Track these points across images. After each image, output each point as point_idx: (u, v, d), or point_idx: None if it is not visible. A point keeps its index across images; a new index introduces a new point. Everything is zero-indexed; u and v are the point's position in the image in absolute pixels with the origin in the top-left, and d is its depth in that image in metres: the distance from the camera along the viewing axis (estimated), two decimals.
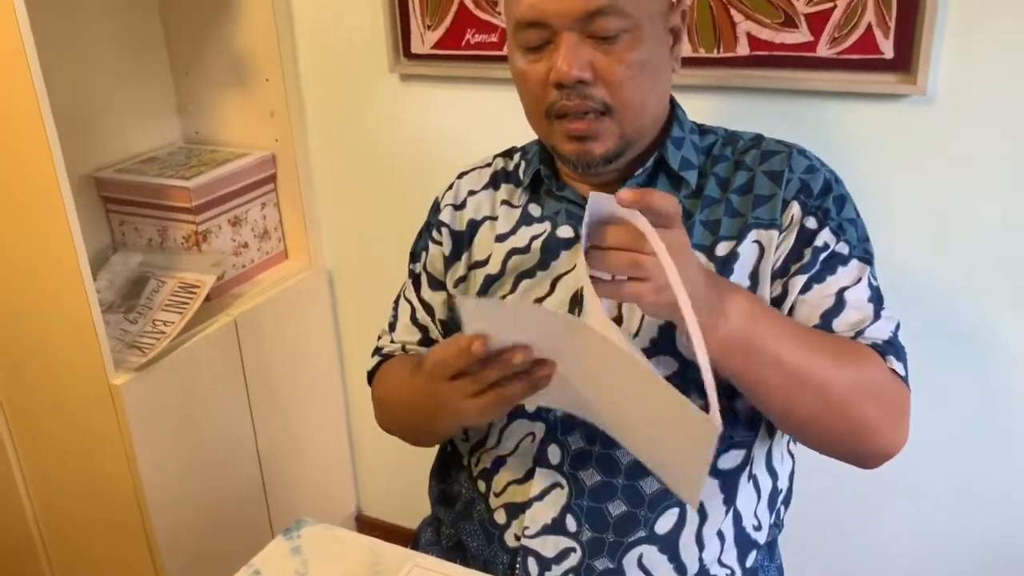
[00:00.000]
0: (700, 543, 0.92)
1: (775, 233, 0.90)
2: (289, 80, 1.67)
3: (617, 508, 0.91)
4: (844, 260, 0.89)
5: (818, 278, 0.89)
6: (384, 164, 1.70)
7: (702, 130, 1.00)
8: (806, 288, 0.89)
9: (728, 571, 0.94)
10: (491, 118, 1.55)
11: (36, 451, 1.56)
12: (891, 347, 0.88)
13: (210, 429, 1.61)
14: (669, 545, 0.91)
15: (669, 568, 0.91)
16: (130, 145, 1.72)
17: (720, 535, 0.93)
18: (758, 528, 0.97)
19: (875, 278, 0.92)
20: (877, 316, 0.88)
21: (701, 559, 0.92)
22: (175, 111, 1.79)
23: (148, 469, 1.46)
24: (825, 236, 0.89)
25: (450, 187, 1.09)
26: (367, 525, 2.06)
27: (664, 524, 0.91)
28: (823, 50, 1.26)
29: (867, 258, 0.92)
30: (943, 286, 1.33)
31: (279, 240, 1.80)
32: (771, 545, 1.05)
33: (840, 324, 0.88)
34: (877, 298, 0.90)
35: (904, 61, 1.22)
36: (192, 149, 1.77)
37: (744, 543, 0.95)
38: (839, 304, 0.88)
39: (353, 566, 0.93)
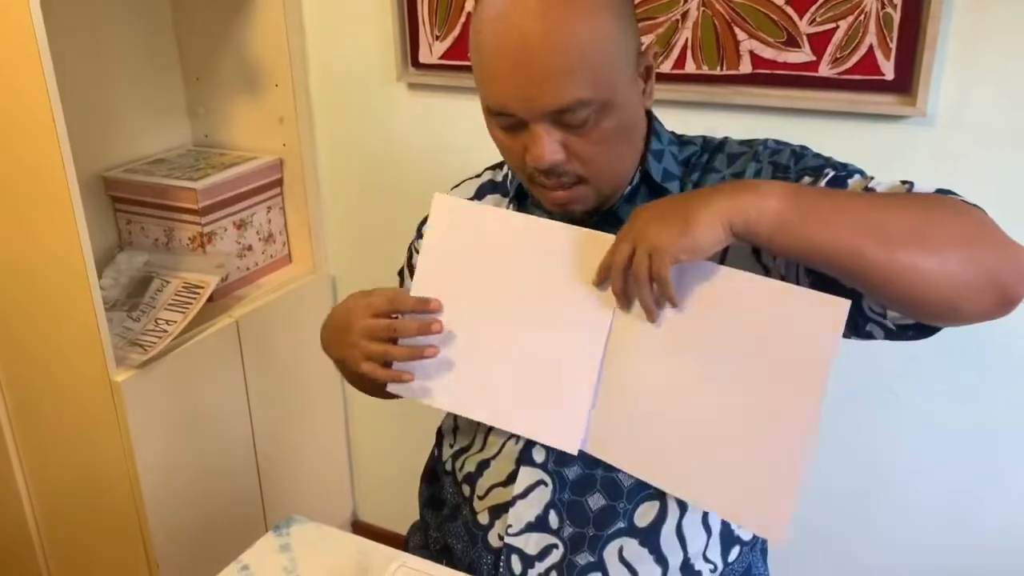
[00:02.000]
0: (681, 536, 0.92)
1: None
2: (298, 87, 1.69)
3: (596, 502, 0.92)
4: (848, 176, 0.86)
5: (836, 182, 0.85)
6: (390, 172, 1.72)
7: (681, 140, 1.00)
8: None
9: (712, 566, 0.94)
10: None
11: (36, 443, 1.57)
12: (946, 191, 0.81)
13: (209, 429, 1.62)
14: (650, 538, 0.92)
15: (650, 561, 0.92)
16: (140, 147, 1.74)
17: (707, 528, 0.93)
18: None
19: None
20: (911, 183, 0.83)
21: (685, 552, 0.92)
22: (186, 115, 1.82)
23: (146, 466, 1.48)
24: (825, 172, 0.86)
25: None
26: (363, 530, 2.06)
27: (643, 516, 0.91)
28: (825, 70, 1.28)
29: (869, 176, 0.87)
30: None
31: (283, 244, 1.82)
32: (763, 548, 1.05)
33: (882, 188, 0.83)
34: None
35: (905, 82, 1.24)
36: (201, 152, 1.79)
37: (728, 538, 0.96)
38: (871, 188, 0.83)
39: (341, 564, 0.93)
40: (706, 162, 0.96)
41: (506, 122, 0.87)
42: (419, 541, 1.10)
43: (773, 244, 0.75)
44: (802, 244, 0.74)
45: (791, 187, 0.75)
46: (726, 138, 0.99)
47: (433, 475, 1.10)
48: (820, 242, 0.74)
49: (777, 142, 0.96)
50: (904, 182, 0.84)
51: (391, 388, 0.90)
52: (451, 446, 1.04)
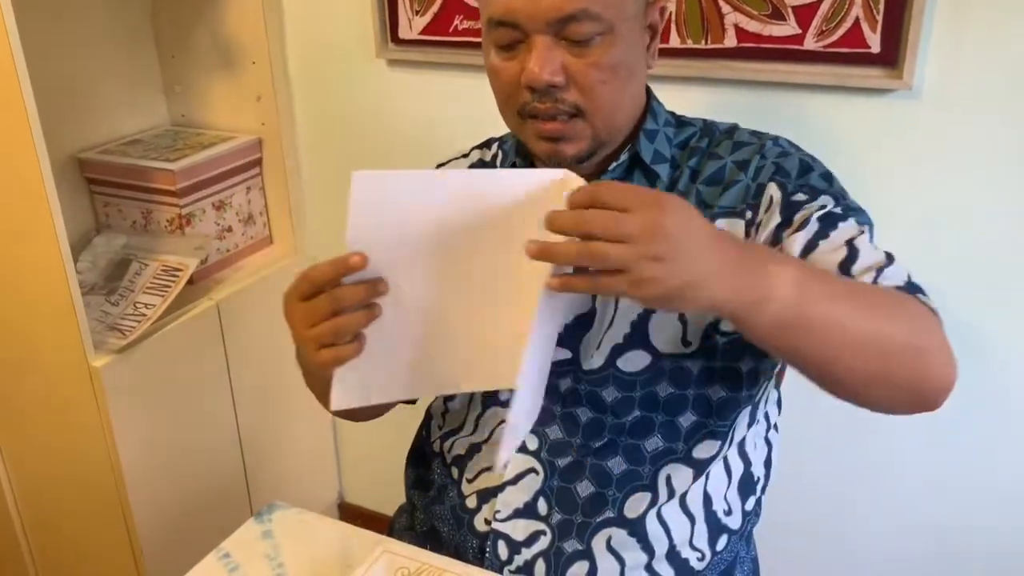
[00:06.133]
0: (664, 523, 0.91)
1: (740, 222, 0.89)
2: (276, 64, 1.66)
3: (585, 489, 0.91)
4: (843, 217, 0.85)
5: (822, 235, 0.84)
6: (371, 150, 1.69)
7: (680, 122, 0.98)
8: (811, 247, 0.83)
9: (699, 554, 0.94)
10: (478, 104, 1.52)
11: (14, 432, 1.55)
12: (913, 286, 0.83)
13: (191, 413, 1.60)
14: (637, 527, 0.91)
15: (637, 548, 0.91)
16: (116, 127, 1.71)
17: (688, 515, 0.93)
18: (728, 513, 0.97)
19: (874, 238, 0.87)
20: (890, 259, 0.84)
21: (671, 540, 0.92)
22: (162, 93, 1.78)
23: (127, 452, 1.46)
24: (819, 203, 0.86)
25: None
26: (350, 512, 2.06)
27: (633, 507, 0.91)
28: (810, 43, 1.26)
29: (863, 220, 0.87)
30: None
31: (264, 225, 1.79)
32: (747, 535, 1.04)
33: (858, 269, 0.82)
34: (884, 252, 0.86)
35: (891, 55, 1.22)
36: (178, 132, 1.75)
37: (714, 526, 0.95)
38: (852, 253, 0.82)
39: (323, 551, 0.92)
40: (707, 146, 0.94)
41: (505, 37, 0.85)
42: (405, 523, 1.09)
43: (768, 341, 0.73)
44: (780, 348, 0.74)
45: (797, 293, 0.70)
46: (736, 125, 0.97)
47: (420, 456, 1.08)
48: (796, 351, 0.74)
49: (789, 143, 0.94)
50: (887, 254, 0.84)
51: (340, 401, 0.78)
52: (440, 427, 1.03)
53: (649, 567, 0.92)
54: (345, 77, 1.66)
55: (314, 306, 0.73)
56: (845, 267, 0.82)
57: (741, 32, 1.29)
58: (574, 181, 0.67)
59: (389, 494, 1.31)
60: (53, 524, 1.62)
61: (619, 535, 0.91)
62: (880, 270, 0.82)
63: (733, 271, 0.67)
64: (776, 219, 0.87)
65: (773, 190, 0.88)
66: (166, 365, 1.52)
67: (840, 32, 1.24)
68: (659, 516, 0.92)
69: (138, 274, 1.55)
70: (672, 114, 0.98)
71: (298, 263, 1.79)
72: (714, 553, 0.95)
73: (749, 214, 0.89)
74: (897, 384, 0.77)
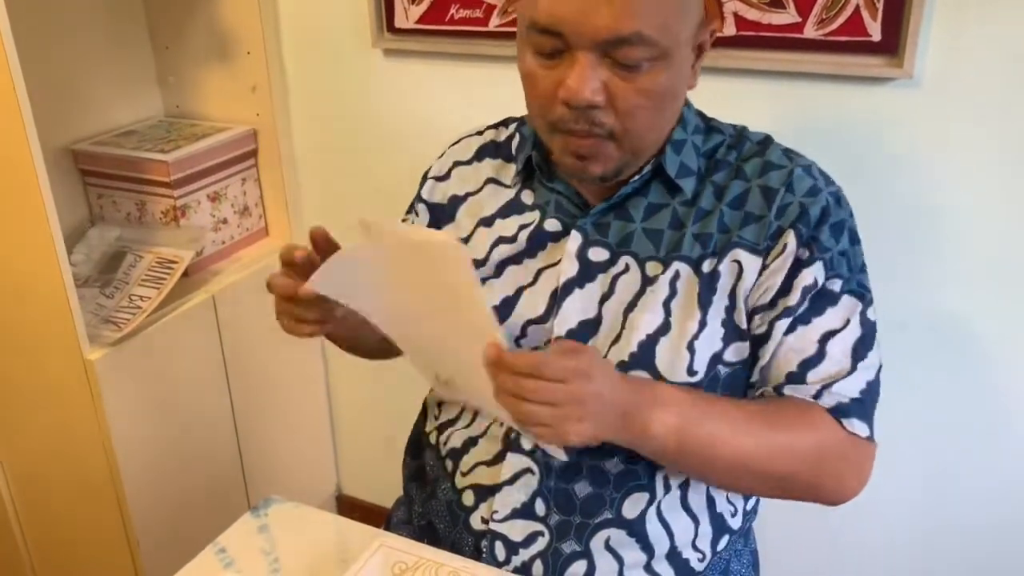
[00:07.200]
0: (665, 523, 0.91)
1: (758, 260, 0.86)
2: (271, 54, 1.64)
3: (583, 489, 0.90)
4: (834, 299, 0.86)
5: (804, 319, 0.85)
6: (367, 140, 1.68)
7: (709, 127, 0.94)
8: (791, 329, 0.86)
9: (700, 555, 0.93)
10: (475, 94, 1.53)
11: (9, 425, 1.54)
12: (857, 405, 0.85)
13: (187, 406, 1.59)
14: (636, 527, 0.90)
15: (636, 548, 0.90)
16: (111, 118, 1.69)
17: (691, 514, 0.92)
18: (734, 514, 0.96)
19: (868, 315, 0.87)
20: (854, 368, 0.86)
21: (672, 540, 0.91)
22: (156, 84, 1.77)
23: (123, 445, 1.45)
24: (815, 271, 0.85)
25: (441, 155, 1.07)
26: (347, 505, 2.05)
27: (631, 508, 0.90)
28: (810, 31, 1.25)
29: (861, 292, 0.87)
30: (926, 270, 1.32)
31: (260, 217, 1.78)
32: (746, 532, 1.04)
33: (814, 375, 0.85)
34: (864, 343, 0.86)
35: (891, 44, 1.21)
36: (172, 123, 1.74)
37: (719, 527, 0.95)
38: (820, 354, 0.85)
39: (320, 545, 0.92)
40: (735, 159, 0.90)
41: (548, 45, 0.80)
42: (403, 516, 1.09)
43: (643, 452, 0.84)
44: (671, 468, 0.88)
45: (676, 437, 0.81)
46: (769, 138, 0.93)
47: (418, 447, 1.07)
48: (686, 472, 0.88)
49: (820, 173, 0.90)
50: (855, 362, 0.86)
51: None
52: (436, 418, 1.02)
53: (648, 567, 0.91)
54: (341, 67, 1.64)
55: (279, 282, 0.86)
56: (804, 368, 0.86)
57: (740, 20, 1.28)
58: (453, 250, 0.73)
59: (387, 486, 1.30)
60: (48, 517, 1.61)
61: (618, 535, 0.90)
62: (829, 384, 0.85)
63: (621, 423, 0.79)
64: (782, 274, 0.85)
65: (791, 238, 0.85)
66: (161, 358, 1.51)
67: (840, 20, 1.22)
68: (660, 516, 0.90)
69: (133, 266, 1.54)
70: (702, 117, 0.95)
71: None
72: (714, 553, 0.95)
73: (765, 255, 0.86)
74: (789, 497, 0.89)
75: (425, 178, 1.06)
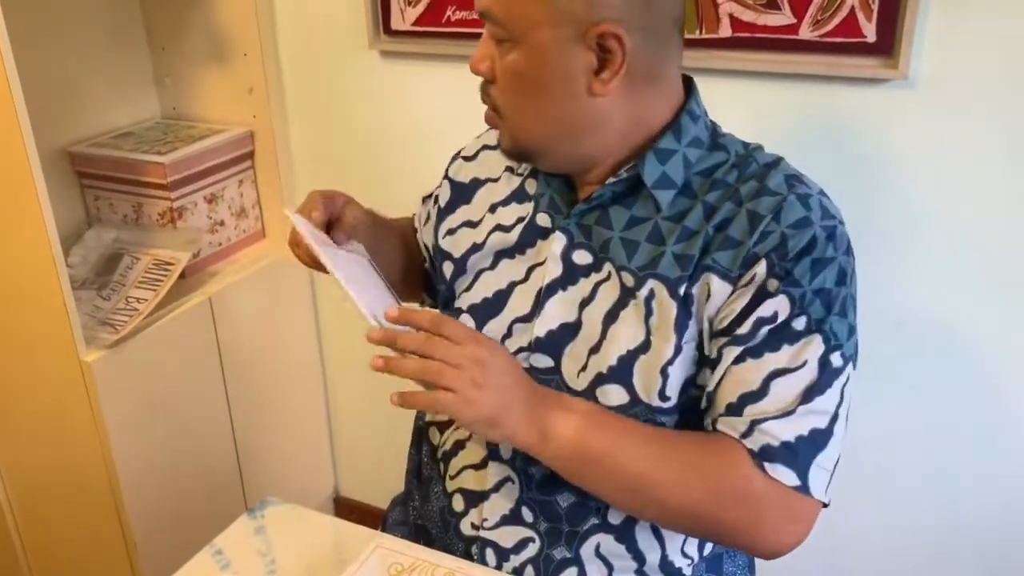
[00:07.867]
0: (657, 531, 0.90)
1: (728, 287, 0.82)
2: (268, 56, 1.64)
3: (566, 499, 0.89)
4: (794, 337, 0.80)
5: (755, 352, 0.81)
6: (363, 142, 1.68)
7: (716, 143, 0.89)
8: (740, 359, 0.81)
9: (689, 560, 0.93)
10: (471, 96, 1.51)
11: (6, 426, 1.54)
12: (785, 450, 0.79)
13: (184, 408, 1.59)
14: (626, 534, 0.90)
15: (627, 557, 0.90)
16: (107, 120, 1.69)
17: None
18: None
19: (832, 359, 0.81)
20: (791, 412, 0.80)
21: (663, 548, 0.91)
22: (153, 86, 1.77)
23: (120, 447, 1.45)
24: (778, 304, 0.80)
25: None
26: (345, 507, 2.05)
27: (617, 515, 0.89)
28: (805, 33, 1.25)
29: (829, 335, 0.81)
30: (921, 272, 1.32)
31: (256, 219, 1.78)
32: None
33: (751, 410, 0.81)
34: (818, 388, 0.80)
35: (887, 45, 1.21)
36: (169, 125, 1.74)
37: None
38: (763, 390, 0.80)
39: (316, 547, 0.92)
40: (735, 180, 0.86)
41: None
42: (398, 517, 1.08)
43: (542, 458, 0.83)
44: (569, 479, 0.84)
45: (575, 444, 0.81)
46: (779, 160, 0.89)
47: (420, 441, 1.07)
48: (582, 485, 0.85)
49: (820, 204, 0.84)
50: (797, 406, 0.80)
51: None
52: (436, 413, 1.02)
53: (640, 572, 0.91)
54: (337, 68, 1.64)
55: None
56: (743, 401, 0.81)
57: (736, 22, 1.28)
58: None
59: (385, 487, 1.30)
60: (45, 519, 1.61)
61: (607, 541, 0.90)
62: (760, 421, 0.80)
63: (525, 408, 0.80)
64: (744, 301, 0.81)
65: (761, 267, 0.81)
66: (159, 360, 1.51)
67: (835, 22, 1.23)
68: (653, 525, 0.90)
69: (129, 268, 1.54)
70: (714, 134, 0.91)
71: (291, 257, 1.77)
72: (701, 556, 0.95)
73: (735, 282, 0.82)
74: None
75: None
